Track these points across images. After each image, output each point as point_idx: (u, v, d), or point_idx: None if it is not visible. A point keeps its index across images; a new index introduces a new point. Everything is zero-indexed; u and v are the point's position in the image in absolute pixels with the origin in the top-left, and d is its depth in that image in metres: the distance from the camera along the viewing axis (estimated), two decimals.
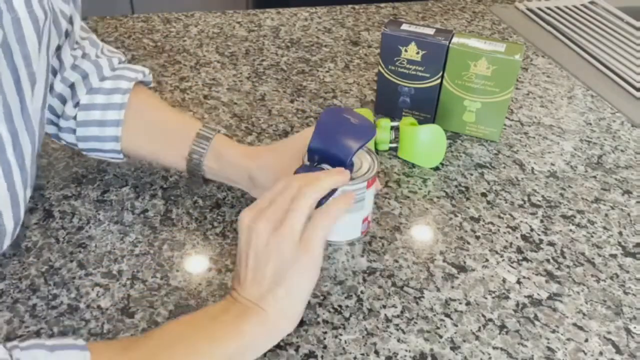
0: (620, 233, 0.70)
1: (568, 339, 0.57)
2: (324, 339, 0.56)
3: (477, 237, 0.68)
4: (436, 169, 0.79)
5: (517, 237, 0.68)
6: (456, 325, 0.58)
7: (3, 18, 0.47)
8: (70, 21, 0.65)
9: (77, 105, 0.66)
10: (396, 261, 0.64)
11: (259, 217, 0.50)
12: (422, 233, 0.68)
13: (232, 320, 0.48)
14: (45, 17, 0.52)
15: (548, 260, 0.66)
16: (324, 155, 0.58)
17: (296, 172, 0.57)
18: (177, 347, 0.47)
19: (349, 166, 0.58)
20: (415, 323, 0.58)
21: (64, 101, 0.66)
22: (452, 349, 0.55)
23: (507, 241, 0.68)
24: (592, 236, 0.69)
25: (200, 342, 0.47)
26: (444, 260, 0.65)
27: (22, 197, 0.52)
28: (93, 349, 0.44)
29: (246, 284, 0.50)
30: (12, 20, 0.48)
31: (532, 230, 0.70)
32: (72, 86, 0.66)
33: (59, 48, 0.65)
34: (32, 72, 0.52)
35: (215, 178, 0.68)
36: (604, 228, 0.71)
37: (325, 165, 0.58)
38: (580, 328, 0.58)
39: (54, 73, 0.66)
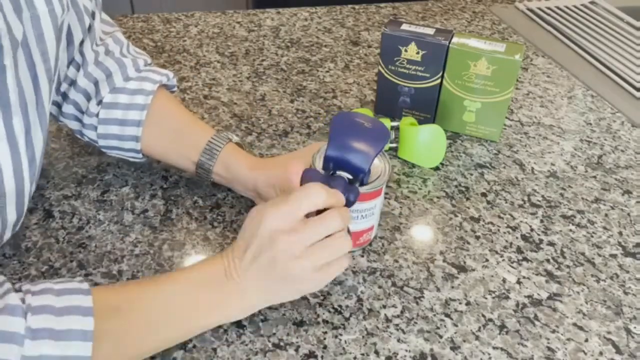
0: (620, 233, 0.70)
1: (568, 339, 0.57)
2: (324, 339, 0.56)
3: (477, 237, 0.68)
4: (436, 169, 0.79)
5: (517, 237, 0.68)
6: (456, 325, 0.58)
7: (22, 14, 0.48)
8: (93, 16, 0.66)
9: (100, 102, 0.67)
10: (396, 261, 0.64)
11: (293, 233, 0.50)
12: (422, 233, 0.68)
13: (221, 296, 0.51)
14: (62, 12, 0.52)
15: (548, 260, 0.66)
16: (341, 163, 0.56)
17: (305, 175, 0.55)
18: (162, 310, 0.50)
19: (368, 173, 0.58)
20: (415, 323, 0.58)
21: (88, 98, 0.67)
22: (452, 349, 0.55)
23: (507, 241, 0.68)
24: (592, 236, 0.69)
25: (186, 310, 0.50)
26: (444, 260, 0.65)
27: (28, 190, 0.52)
28: (95, 294, 0.46)
29: (250, 269, 0.51)
30: (31, 17, 0.48)
31: (532, 230, 0.70)
32: (96, 83, 0.67)
33: (81, 43, 0.65)
34: (50, 67, 0.52)
35: (222, 184, 0.69)
36: (604, 228, 0.71)
37: (342, 173, 0.56)
38: (580, 328, 0.58)
39: (77, 68, 0.67)
